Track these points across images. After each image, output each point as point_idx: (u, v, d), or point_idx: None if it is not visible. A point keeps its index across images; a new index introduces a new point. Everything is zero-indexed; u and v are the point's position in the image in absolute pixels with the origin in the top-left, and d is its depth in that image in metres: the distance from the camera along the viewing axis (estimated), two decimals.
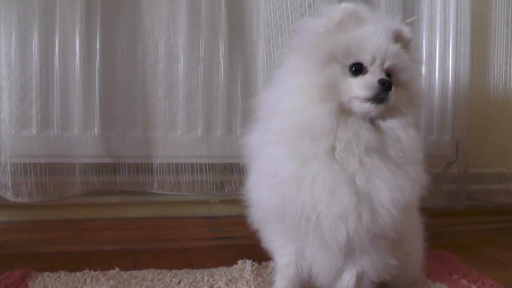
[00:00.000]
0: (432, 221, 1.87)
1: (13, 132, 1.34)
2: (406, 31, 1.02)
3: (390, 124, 0.97)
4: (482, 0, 1.88)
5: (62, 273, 1.28)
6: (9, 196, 1.34)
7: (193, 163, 1.50)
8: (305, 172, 0.94)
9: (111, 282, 1.22)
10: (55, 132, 1.39)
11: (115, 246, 1.59)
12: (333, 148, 0.93)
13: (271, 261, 1.30)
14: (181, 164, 1.49)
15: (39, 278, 1.24)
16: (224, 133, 1.50)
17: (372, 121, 0.96)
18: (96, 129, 1.42)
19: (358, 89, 0.93)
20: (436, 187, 1.83)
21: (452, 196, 1.83)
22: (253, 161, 1.06)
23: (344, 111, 0.94)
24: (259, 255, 1.24)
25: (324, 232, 0.95)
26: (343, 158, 0.93)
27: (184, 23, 1.45)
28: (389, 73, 0.97)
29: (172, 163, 1.49)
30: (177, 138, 1.47)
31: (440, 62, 1.74)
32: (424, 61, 1.71)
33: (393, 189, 0.94)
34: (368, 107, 0.93)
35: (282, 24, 1.45)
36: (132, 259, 1.48)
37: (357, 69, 0.95)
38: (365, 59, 0.95)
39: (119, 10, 1.44)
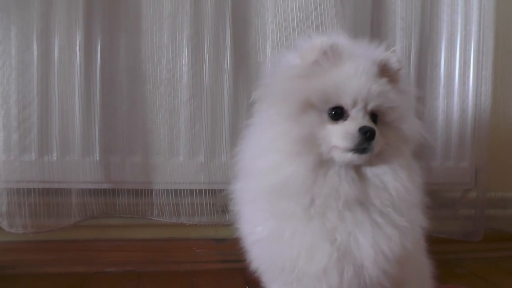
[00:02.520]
0: (450, 246, 1.82)
1: (8, 157, 1.34)
2: (394, 60, 0.92)
3: (377, 171, 0.88)
4: (508, 18, 1.77)
5: None
6: (4, 225, 1.35)
7: (193, 190, 1.48)
8: (283, 230, 0.89)
9: None
10: (53, 157, 1.38)
11: (119, 267, 1.58)
12: (312, 204, 0.87)
13: None
14: (181, 190, 1.48)
15: None
16: (227, 159, 1.46)
17: (358, 168, 0.88)
18: (95, 154, 1.42)
19: (338, 138, 0.85)
20: (453, 214, 1.75)
21: (469, 225, 1.76)
22: (238, 214, 1.01)
23: (323, 163, 0.86)
24: None
25: (307, 285, 0.91)
26: (322, 213, 0.87)
27: (185, 46, 1.42)
28: (375, 113, 0.88)
29: (172, 190, 1.47)
30: (177, 165, 1.45)
31: (459, 84, 1.66)
32: (442, 83, 1.66)
33: (377, 244, 0.87)
34: (349, 157, 0.85)
35: (289, 46, 1.39)
36: (136, 281, 1.48)
37: (337, 114, 0.86)
38: (345, 102, 0.86)
39: (119, 33, 1.42)
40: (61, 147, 1.38)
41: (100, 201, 1.47)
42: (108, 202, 1.49)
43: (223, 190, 1.41)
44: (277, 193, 0.88)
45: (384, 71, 0.91)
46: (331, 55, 0.88)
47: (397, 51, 1.48)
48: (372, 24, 1.57)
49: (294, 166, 0.85)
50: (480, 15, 1.64)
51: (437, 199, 1.75)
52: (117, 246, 1.60)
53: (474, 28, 1.65)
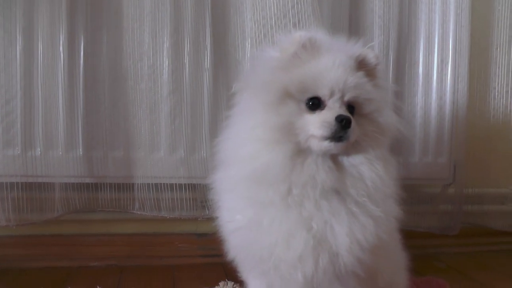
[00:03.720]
0: (429, 241, 1.85)
1: None
2: (371, 56, 0.95)
3: (354, 161, 0.91)
4: (483, 17, 1.81)
5: None
6: None
7: (174, 183, 1.50)
8: (262, 218, 0.91)
9: None
10: (36, 152, 1.40)
11: (102, 262, 1.60)
12: (290, 192, 0.90)
13: None
14: (161, 184, 1.50)
15: None
16: (207, 154, 1.48)
17: (335, 158, 0.91)
18: (79, 149, 1.44)
19: (315, 127, 0.87)
20: (432, 209, 1.78)
21: (447, 220, 1.78)
22: (218, 203, 1.04)
23: (301, 152, 0.89)
24: None
25: (284, 273, 0.93)
26: (299, 202, 0.90)
27: (165, 43, 1.44)
28: (351, 104, 0.91)
29: (153, 184, 1.49)
30: (158, 159, 1.47)
31: (437, 82, 1.69)
32: (421, 82, 1.69)
33: (352, 232, 0.90)
34: (326, 145, 0.88)
35: (267, 43, 1.41)
36: (118, 276, 1.49)
37: (314, 104, 0.89)
38: (322, 93, 0.89)
39: (101, 31, 1.44)
40: (45, 142, 1.40)
41: (83, 195, 1.49)
42: (91, 196, 1.50)
43: (203, 184, 1.46)
44: (257, 180, 0.91)
45: (362, 66, 0.94)
46: (309, 48, 0.91)
47: (375, 48, 1.52)
48: (350, 22, 1.59)
49: (273, 154, 0.88)
50: (457, 14, 1.66)
51: (416, 194, 1.78)
52: (100, 241, 1.62)
53: (451, 27, 1.67)
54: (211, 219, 1.60)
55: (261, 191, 0.91)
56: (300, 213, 0.90)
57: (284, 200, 0.90)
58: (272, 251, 0.91)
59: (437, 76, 1.69)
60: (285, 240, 0.90)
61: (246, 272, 1.12)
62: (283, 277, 0.94)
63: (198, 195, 1.54)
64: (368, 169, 0.91)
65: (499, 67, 1.80)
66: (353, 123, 0.88)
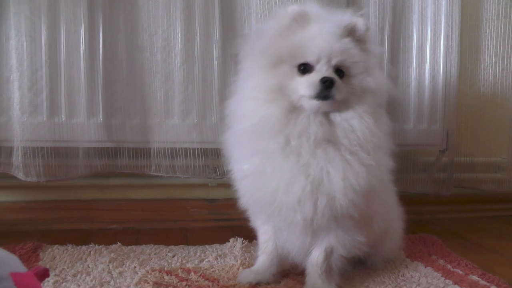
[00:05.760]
0: (425, 207, 1.96)
1: (23, 119, 1.48)
2: (360, 23, 1.06)
3: (345, 116, 1.04)
4: None
5: (69, 246, 1.42)
6: (21, 176, 1.49)
7: (187, 148, 1.61)
8: (266, 166, 1.05)
9: (112, 254, 1.36)
10: (61, 119, 1.52)
11: (119, 225, 1.72)
12: (288, 143, 1.03)
13: None
14: (176, 148, 1.61)
15: (49, 250, 1.39)
16: (218, 120, 1.60)
17: (327, 115, 1.04)
18: (99, 117, 1.55)
19: (303, 88, 1.01)
20: (427, 175, 1.89)
21: (441, 183, 1.89)
22: (229, 157, 1.17)
23: (295, 109, 1.02)
24: (252, 235, 1.34)
25: (286, 216, 1.06)
26: (297, 151, 1.03)
27: (178, 17, 1.56)
28: (340, 68, 1.03)
29: (168, 148, 1.60)
30: (172, 125, 1.59)
31: (430, 54, 1.79)
32: (414, 54, 1.79)
33: (346, 177, 1.02)
34: (315, 104, 1.01)
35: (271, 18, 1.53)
36: (135, 236, 1.60)
37: (305, 69, 1.03)
38: (310, 59, 1.02)
39: (119, 7, 1.55)
40: (68, 109, 1.52)
41: (104, 159, 1.60)
42: (111, 160, 1.62)
43: (214, 149, 1.57)
44: (257, 132, 1.05)
45: (352, 33, 1.06)
46: (300, 20, 1.05)
47: (371, 23, 1.62)
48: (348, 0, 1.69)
49: (269, 110, 1.02)
50: None
51: (412, 162, 1.89)
52: (117, 206, 1.75)
53: (443, 2, 1.77)
54: (221, 185, 1.75)
55: (262, 143, 1.05)
56: (298, 161, 1.03)
57: (284, 150, 1.03)
58: (275, 195, 1.05)
59: (430, 49, 1.79)
60: (286, 186, 1.03)
61: (256, 218, 1.25)
62: (286, 219, 1.07)
63: (210, 161, 1.65)
64: (358, 122, 1.03)
65: (488, 40, 1.90)
66: (338, 83, 1.01)
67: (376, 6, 1.71)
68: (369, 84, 1.06)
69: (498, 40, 1.90)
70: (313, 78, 1.01)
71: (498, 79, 1.91)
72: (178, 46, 1.56)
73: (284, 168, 1.04)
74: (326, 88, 0.99)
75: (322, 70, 1.01)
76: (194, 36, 1.57)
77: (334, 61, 1.02)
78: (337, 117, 1.04)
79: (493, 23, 1.89)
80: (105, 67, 1.54)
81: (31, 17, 1.46)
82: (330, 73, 1.01)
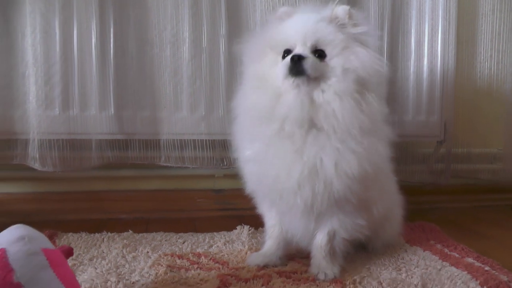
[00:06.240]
0: (423, 197, 2.02)
1: (39, 112, 1.54)
2: (340, 11, 1.11)
3: (327, 97, 1.08)
4: None
5: (83, 234, 1.49)
6: (37, 166, 1.56)
7: (196, 139, 1.68)
8: (267, 152, 1.13)
9: (124, 241, 1.42)
10: (75, 112, 1.59)
11: (130, 215, 1.79)
12: (282, 129, 1.10)
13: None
14: (184, 140, 1.68)
15: (64, 237, 1.46)
16: (225, 112, 1.67)
17: (310, 95, 1.08)
18: (110, 110, 1.62)
19: (280, 69, 1.09)
20: (426, 165, 1.95)
21: (439, 173, 1.96)
22: (235, 144, 1.25)
23: (280, 94, 1.10)
24: (258, 224, 1.42)
25: (287, 200, 1.13)
26: (290, 137, 1.10)
27: (186, 14, 1.62)
28: (320, 49, 1.10)
29: (177, 140, 1.67)
30: (181, 117, 1.66)
31: (428, 48, 1.85)
32: (413, 48, 1.86)
33: (339, 165, 1.08)
34: (291, 82, 1.08)
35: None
36: (145, 225, 1.66)
37: (287, 55, 1.10)
38: (290, 43, 1.11)
39: (128, 4, 1.62)
40: (81, 103, 1.59)
41: (115, 150, 1.67)
42: (122, 152, 1.69)
43: (221, 141, 1.64)
44: (250, 118, 1.15)
45: (334, 20, 1.12)
46: (284, 16, 1.16)
47: (371, 19, 1.68)
48: None
49: (257, 95, 1.13)
50: None
51: (411, 153, 1.95)
52: (128, 196, 1.81)
53: None
54: (227, 176, 1.81)
55: (258, 128, 1.13)
56: (292, 147, 1.10)
57: (279, 135, 1.10)
58: (277, 180, 1.12)
59: (428, 43, 1.85)
60: (286, 171, 1.10)
61: (262, 204, 1.31)
62: (288, 204, 1.14)
63: (217, 152, 1.72)
64: (339, 105, 1.07)
65: (484, 34, 1.97)
66: (310, 59, 1.07)
67: (375, 2, 1.77)
68: (351, 63, 1.09)
69: (494, 34, 1.96)
70: (287, 58, 1.08)
71: (494, 72, 1.97)
72: (187, 42, 1.63)
73: (283, 154, 1.11)
74: (295, 64, 1.06)
75: (298, 51, 1.09)
76: (202, 32, 1.64)
77: (309, 43, 1.09)
78: (320, 97, 1.08)
79: (488, 18, 1.96)
80: (116, 62, 1.61)
81: (46, 14, 1.52)
82: (303, 52, 1.08)
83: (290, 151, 1.09)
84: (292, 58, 1.06)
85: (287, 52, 1.11)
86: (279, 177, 1.11)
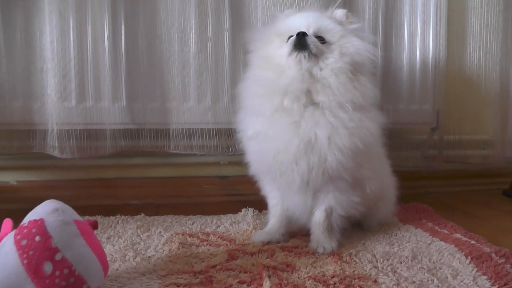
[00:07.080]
0: (417, 182, 2.13)
1: (58, 104, 1.65)
2: (339, 12, 1.31)
3: (324, 74, 1.22)
4: None
5: (99, 217, 1.59)
6: (56, 153, 1.66)
7: (203, 128, 1.79)
8: (267, 129, 1.25)
9: (138, 223, 1.54)
10: (90, 104, 1.70)
11: (140, 200, 1.89)
12: (281, 104, 1.22)
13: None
14: (192, 129, 1.79)
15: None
16: (229, 103, 1.77)
17: (311, 71, 1.22)
18: (122, 101, 1.72)
19: (286, 47, 1.24)
20: (419, 152, 2.06)
21: (431, 159, 2.07)
22: (240, 125, 1.37)
23: (284, 70, 1.23)
24: (262, 207, 1.54)
25: (286, 176, 1.24)
26: (289, 112, 1.22)
27: (193, 12, 1.72)
28: (320, 35, 1.25)
29: (185, 129, 1.78)
30: (189, 108, 1.76)
31: (421, 40, 1.95)
32: (406, 41, 1.95)
33: (330, 138, 1.20)
34: (296, 56, 1.21)
35: (276, 11, 1.70)
36: (155, 209, 1.77)
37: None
38: (294, 31, 1.24)
39: (138, 2, 1.72)
40: (95, 95, 1.70)
41: (128, 139, 1.78)
42: (134, 141, 1.79)
43: (226, 129, 1.75)
44: (253, 93, 1.28)
45: (336, 19, 1.30)
46: (289, 14, 1.34)
47: (365, 14, 1.79)
48: None
49: (260, 71, 1.27)
50: None
51: (405, 140, 2.06)
52: (138, 183, 1.92)
53: None
54: (232, 163, 1.92)
55: (260, 101, 1.25)
56: (291, 121, 1.22)
57: (278, 110, 1.22)
58: (276, 156, 1.23)
59: (420, 36, 1.96)
60: (284, 146, 1.22)
61: (265, 185, 1.43)
62: (286, 179, 1.26)
63: (223, 140, 1.83)
64: (335, 80, 1.22)
65: (473, 27, 2.07)
66: (313, 38, 1.22)
67: None
68: (348, 49, 1.25)
69: (482, 26, 2.06)
70: (292, 37, 1.23)
71: (482, 62, 2.07)
72: (193, 37, 1.73)
73: (282, 129, 1.22)
74: (300, 39, 1.21)
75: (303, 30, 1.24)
76: (207, 27, 1.74)
77: (312, 29, 1.25)
78: (318, 73, 1.22)
79: (477, 11, 2.06)
80: (127, 57, 1.71)
81: (64, 14, 1.62)
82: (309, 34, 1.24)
83: (289, 127, 1.21)
84: (297, 34, 1.21)
85: (290, 36, 1.25)
86: (278, 152, 1.23)
